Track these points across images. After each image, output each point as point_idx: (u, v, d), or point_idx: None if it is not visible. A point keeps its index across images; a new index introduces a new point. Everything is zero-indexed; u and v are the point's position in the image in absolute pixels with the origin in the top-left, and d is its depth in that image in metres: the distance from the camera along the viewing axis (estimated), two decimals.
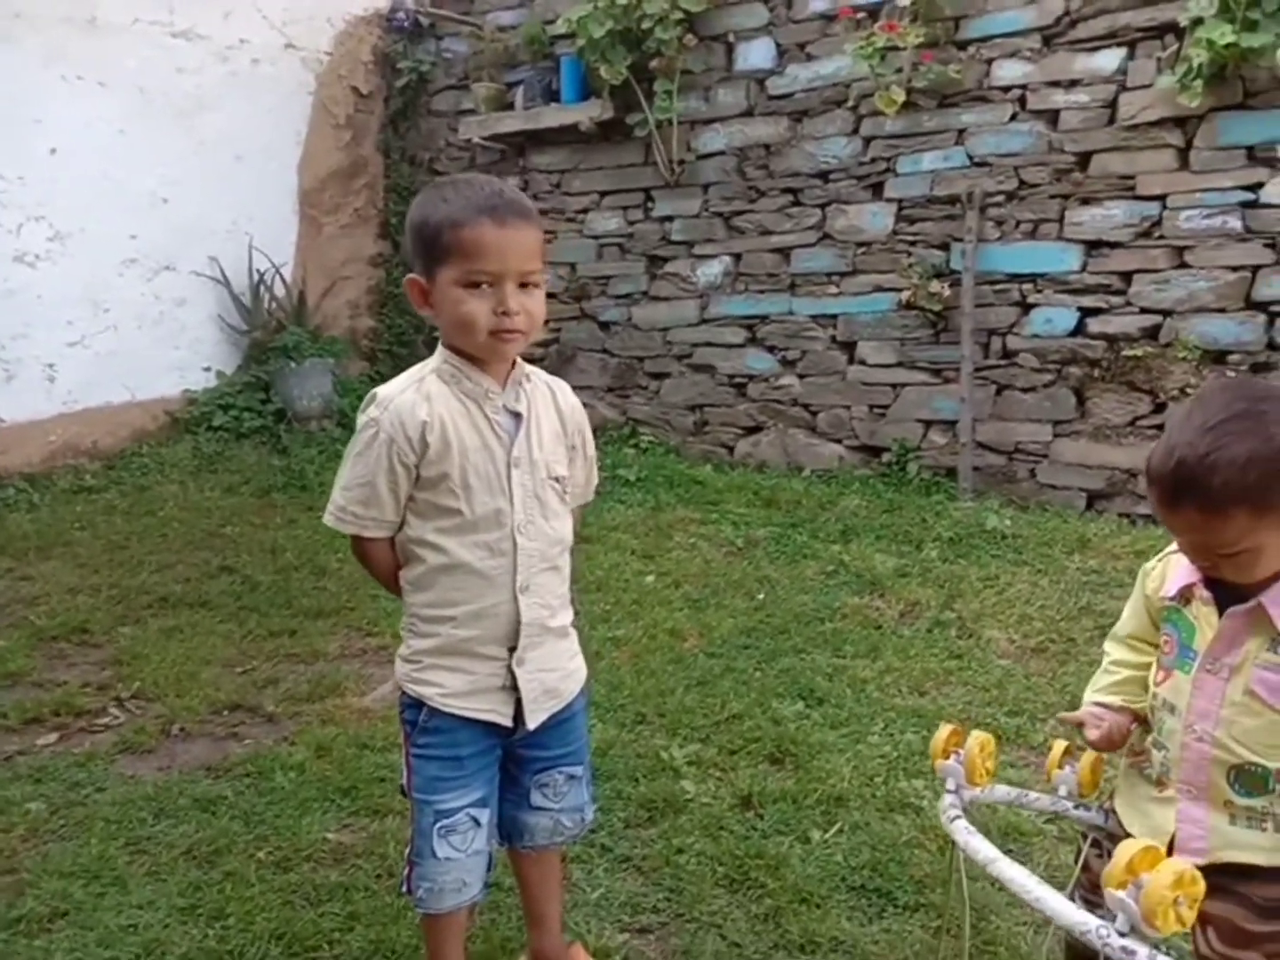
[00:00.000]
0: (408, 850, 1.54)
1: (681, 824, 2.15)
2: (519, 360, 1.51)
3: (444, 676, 1.47)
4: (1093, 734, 1.41)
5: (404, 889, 1.55)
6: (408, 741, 1.52)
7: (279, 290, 5.56)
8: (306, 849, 2.10)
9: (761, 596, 3.44)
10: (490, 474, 1.45)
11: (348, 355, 5.82)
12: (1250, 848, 1.30)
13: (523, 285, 1.43)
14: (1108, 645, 1.53)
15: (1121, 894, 1.03)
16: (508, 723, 1.50)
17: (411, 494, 1.46)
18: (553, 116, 5.24)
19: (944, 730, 1.39)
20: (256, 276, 5.47)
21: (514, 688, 1.49)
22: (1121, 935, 1.03)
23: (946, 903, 1.52)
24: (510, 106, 5.50)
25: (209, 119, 5.35)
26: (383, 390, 1.47)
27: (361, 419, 1.47)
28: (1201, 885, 1.02)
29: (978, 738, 1.37)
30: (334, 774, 2.38)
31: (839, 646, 3.02)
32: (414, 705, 1.50)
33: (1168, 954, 1.03)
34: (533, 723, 1.51)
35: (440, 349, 1.49)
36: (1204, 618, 1.32)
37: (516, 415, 1.49)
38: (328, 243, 5.94)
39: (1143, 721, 1.44)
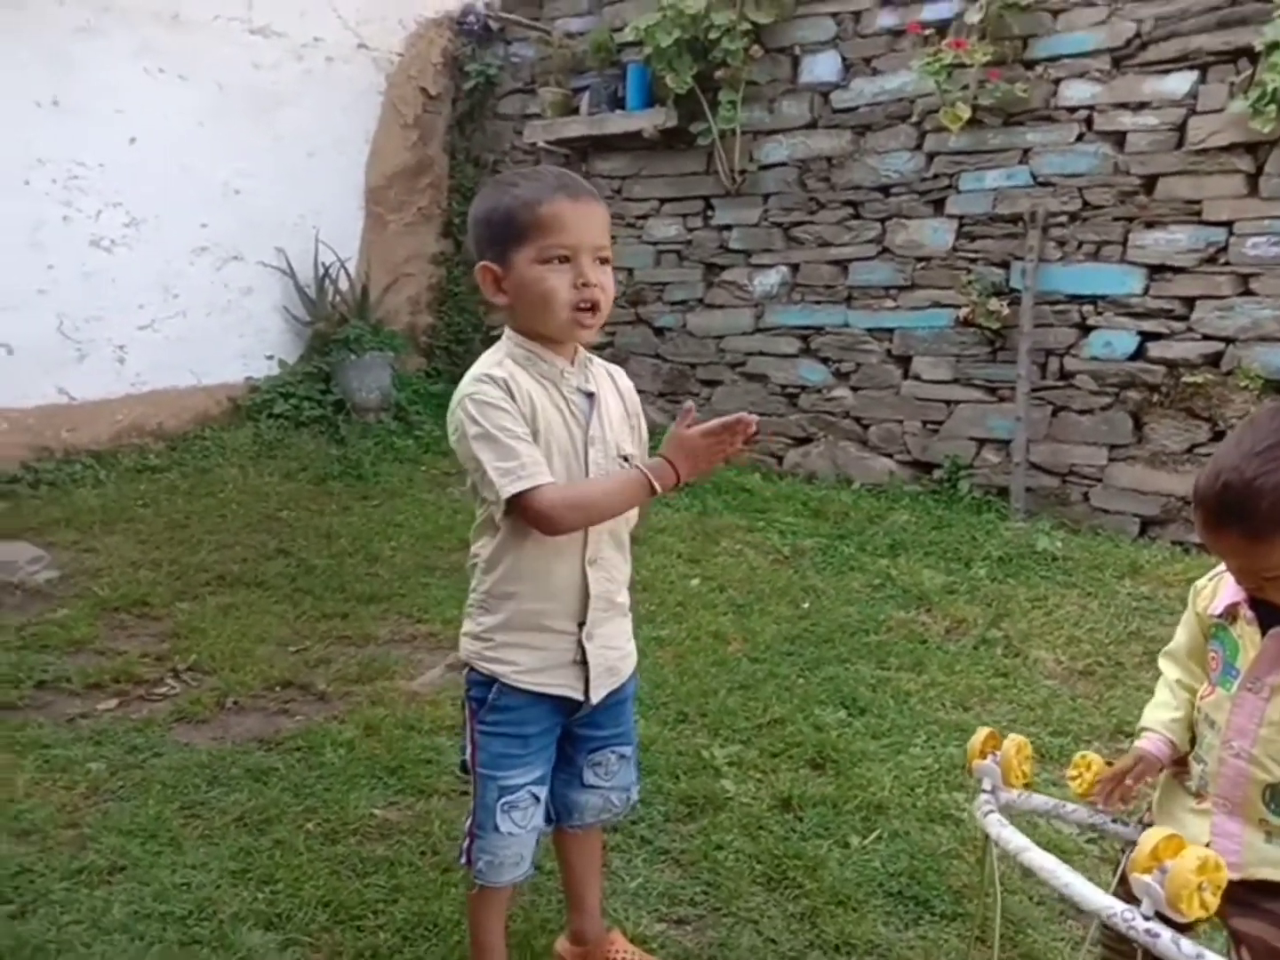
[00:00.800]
0: (469, 823, 1.57)
1: (721, 821, 2.18)
2: (580, 346, 1.55)
3: (517, 654, 1.51)
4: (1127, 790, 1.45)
5: (463, 860, 1.58)
6: (474, 718, 1.54)
7: (343, 284, 5.68)
8: (354, 823, 2.16)
9: (806, 605, 3.46)
10: (569, 451, 1.48)
11: (406, 350, 5.93)
12: None
13: (598, 261, 1.45)
14: (1162, 663, 1.54)
15: (1147, 879, 1.05)
16: (580, 696, 1.53)
17: None
18: (617, 123, 5.30)
19: (981, 733, 1.41)
20: (322, 269, 5.59)
21: (584, 662, 1.52)
22: (1147, 919, 1.04)
23: (980, 900, 1.53)
24: (575, 112, 5.57)
25: (283, 115, 5.49)
26: (470, 374, 1.48)
27: (464, 404, 1.43)
28: (1224, 873, 1.03)
29: (1014, 740, 1.39)
30: (382, 753, 2.43)
31: (883, 658, 3.03)
32: (484, 683, 1.53)
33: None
34: (595, 697, 1.54)
35: (507, 337, 1.52)
36: (1248, 636, 1.33)
37: (589, 395, 1.52)
38: (392, 239, 6.05)
39: (1179, 761, 1.45)
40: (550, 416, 1.47)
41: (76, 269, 4.81)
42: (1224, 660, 1.37)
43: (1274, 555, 1.22)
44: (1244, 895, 1.35)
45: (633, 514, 1.58)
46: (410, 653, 3.07)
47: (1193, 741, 1.44)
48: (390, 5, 5.90)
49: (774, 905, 1.93)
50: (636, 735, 1.71)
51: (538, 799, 1.54)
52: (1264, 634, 1.31)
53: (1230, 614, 1.36)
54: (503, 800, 1.52)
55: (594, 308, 1.45)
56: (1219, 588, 1.40)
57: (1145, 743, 1.48)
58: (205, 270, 5.31)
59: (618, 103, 5.35)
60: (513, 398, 1.43)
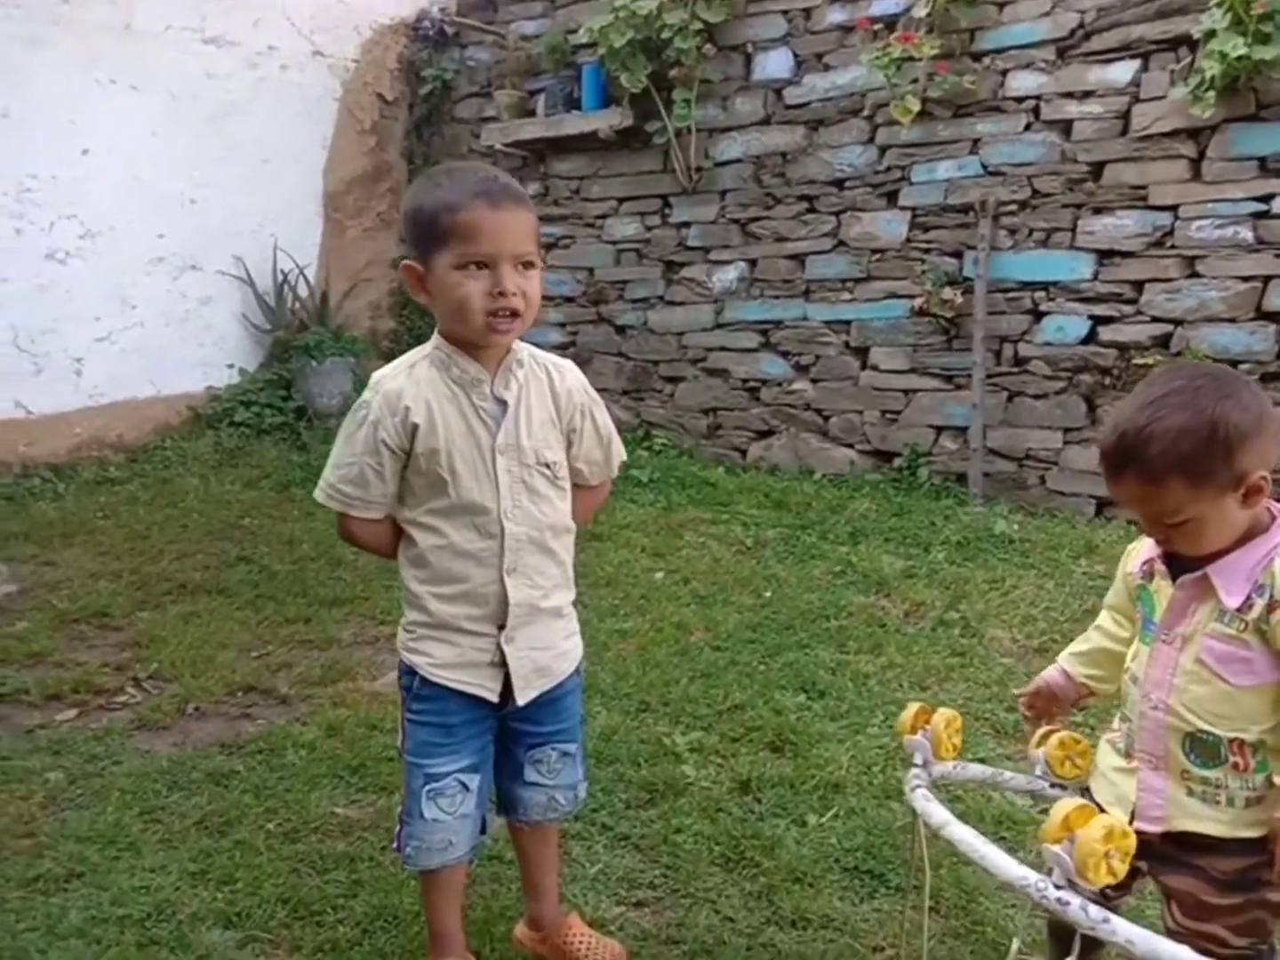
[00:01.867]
0: (400, 809, 1.60)
1: (681, 806, 2.20)
2: (515, 344, 1.54)
3: (434, 647, 1.53)
4: (1026, 712, 1.57)
5: (395, 845, 1.61)
6: (403, 706, 1.58)
7: (302, 291, 5.67)
8: (315, 821, 2.16)
9: (769, 594, 3.49)
10: (476, 461, 1.49)
11: (368, 355, 5.91)
12: (1205, 819, 1.34)
13: (518, 268, 1.45)
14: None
15: (1057, 848, 1.08)
16: (494, 698, 1.55)
17: (405, 476, 1.51)
18: (573, 124, 5.32)
19: (912, 708, 1.44)
20: (281, 277, 5.58)
21: (503, 664, 1.54)
22: (1058, 888, 1.07)
23: (910, 872, 1.56)
24: (532, 114, 5.59)
25: (238, 123, 5.47)
26: (377, 374, 1.53)
27: (357, 401, 1.53)
28: (1132, 840, 1.06)
29: (944, 714, 1.42)
30: (344, 752, 2.44)
31: (843, 643, 3.06)
32: (409, 673, 1.56)
33: (1106, 911, 1.06)
34: (522, 699, 1.56)
35: (435, 335, 1.53)
36: (1161, 591, 1.38)
37: (503, 403, 1.52)
38: (351, 245, 6.05)
39: (1086, 696, 1.56)
40: (452, 425, 1.49)
41: (31, 281, 4.77)
42: (1143, 616, 1.41)
43: (1168, 500, 1.27)
44: (1172, 851, 1.38)
45: (560, 519, 1.58)
46: (373, 654, 3.07)
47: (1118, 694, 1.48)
48: (345, 12, 5.89)
49: (732, 885, 1.95)
50: (582, 730, 1.72)
51: (467, 787, 1.55)
52: (1174, 585, 1.36)
53: (1147, 571, 1.41)
54: (428, 787, 1.54)
55: (513, 314, 1.45)
56: (1138, 549, 1.44)
57: (1043, 674, 1.56)
58: (162, 280, 5.28)
59: (574, 104, 5.38)
60: (394, 424, 1.47)
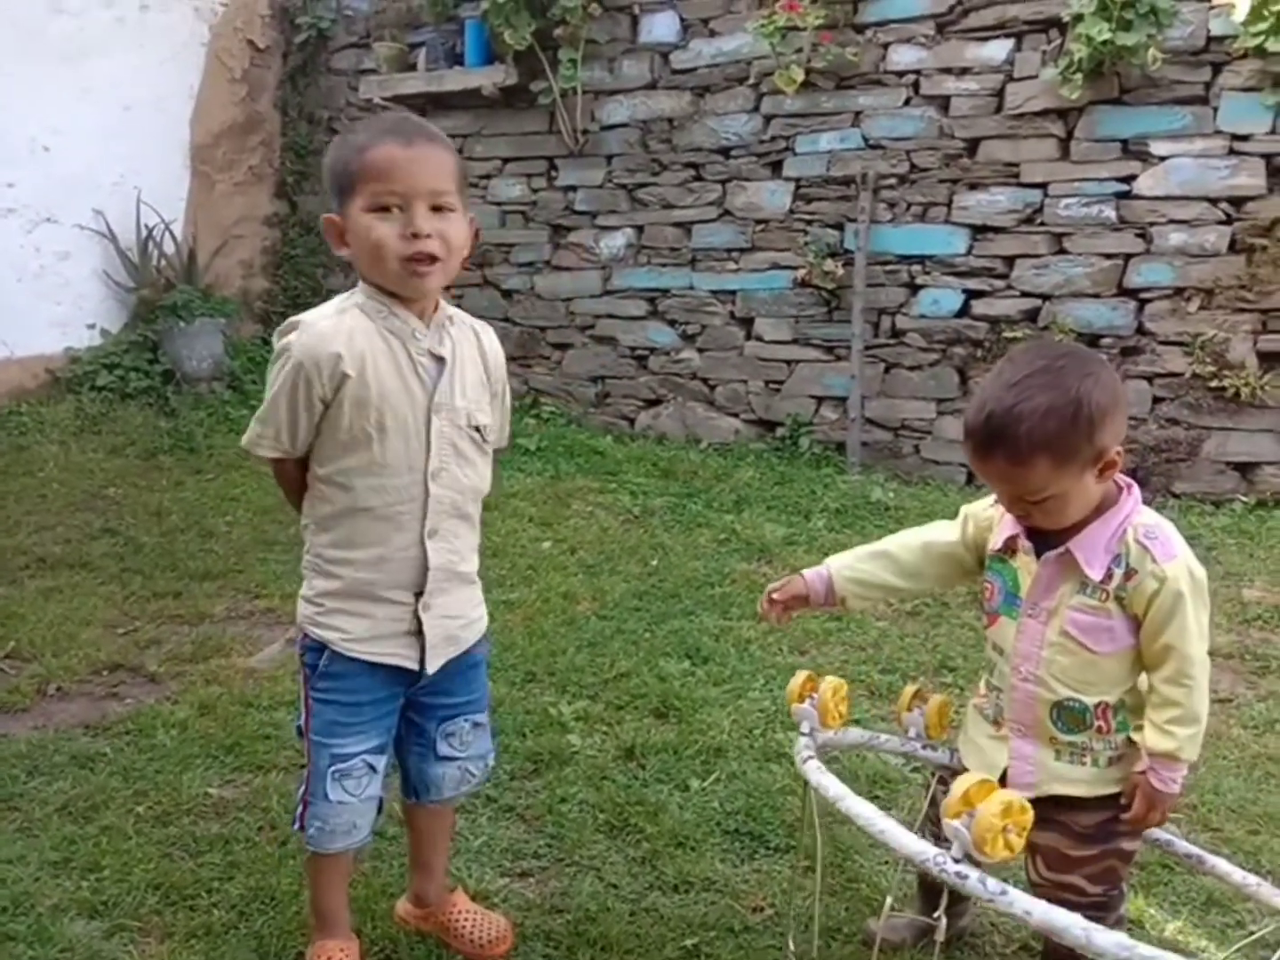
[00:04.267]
0: (302, 789, 1.54)
1: (566, 775, 2.21)
2: (441, 302, 1.48)
3: (347, 621, 1.47)
4: (764, 607, 1.57)
5: (296, 825, 1.55)
6: (307, 684, 1.51)
7: (168, 247, 5.38)
8: (187, 803, 2.08)
9: (655, 563, 3.51)
10: (408, 419, 1.42)
11: (240, 316, 5.67)
12: (1073, 781, 1.42)
13: (436, 210, 1.37)
14: (904, 534, 1.60)
15: (957, 823, 1.12)
16: (414, 666, 1.50)
17: (320, 429, 1.42)
18: (455, 80, 5.18)
19: (799, 676, 1.46)
20: (145, 232, 5.28)
21: (419, 633, 1.48)
22: (956, 861, 1.11)
23: (801, 841, 1.60)
24: (413, 68, 5.41)
25: (93, 66, 5.12)
26: (304, 316, 1.43)
27: (278, 344, 1.43)
28: (1029, 815, 1.11)
29: (830, 683, 1.45)
30: (217, 731, 2.35)
31: (726, 609, 3.12)
32: (316, 649, 1.49)
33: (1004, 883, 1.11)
34: (431, 667, 1.50)
35: (361, 285, 1.45)
36: (1025, 566, 1.43)
37: (440, 359, 1.46)
38: (221, 200, 5.77)
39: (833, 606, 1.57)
40: (387, 381, 1.41)
41: None
42: (1004, 590, 1.46)
43: (1034, 478, 1.31)
44: (1040, 811, 1.46)
45: (480, 485, 1.54)
46: (248, 629, 2.97)
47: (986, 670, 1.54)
48: None
49: (616, 851, 1.97)
50: (489, 700, 1.70)
51: (374, 768, 1.52)
52: (1039, 561, 1.41)
53: (1009, 547, 1.46)
54: (334, 768, 1.49)
55: (431, 259, 1.37)
56: (995, 523, 1.50)
57: (808, 571, 1.57)
58: (14, 233, 4.94)
59: (456, 59, 5.23)
60: (320, 370, 1.38)
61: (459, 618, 1.54)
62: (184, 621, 3.01)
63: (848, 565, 1.56)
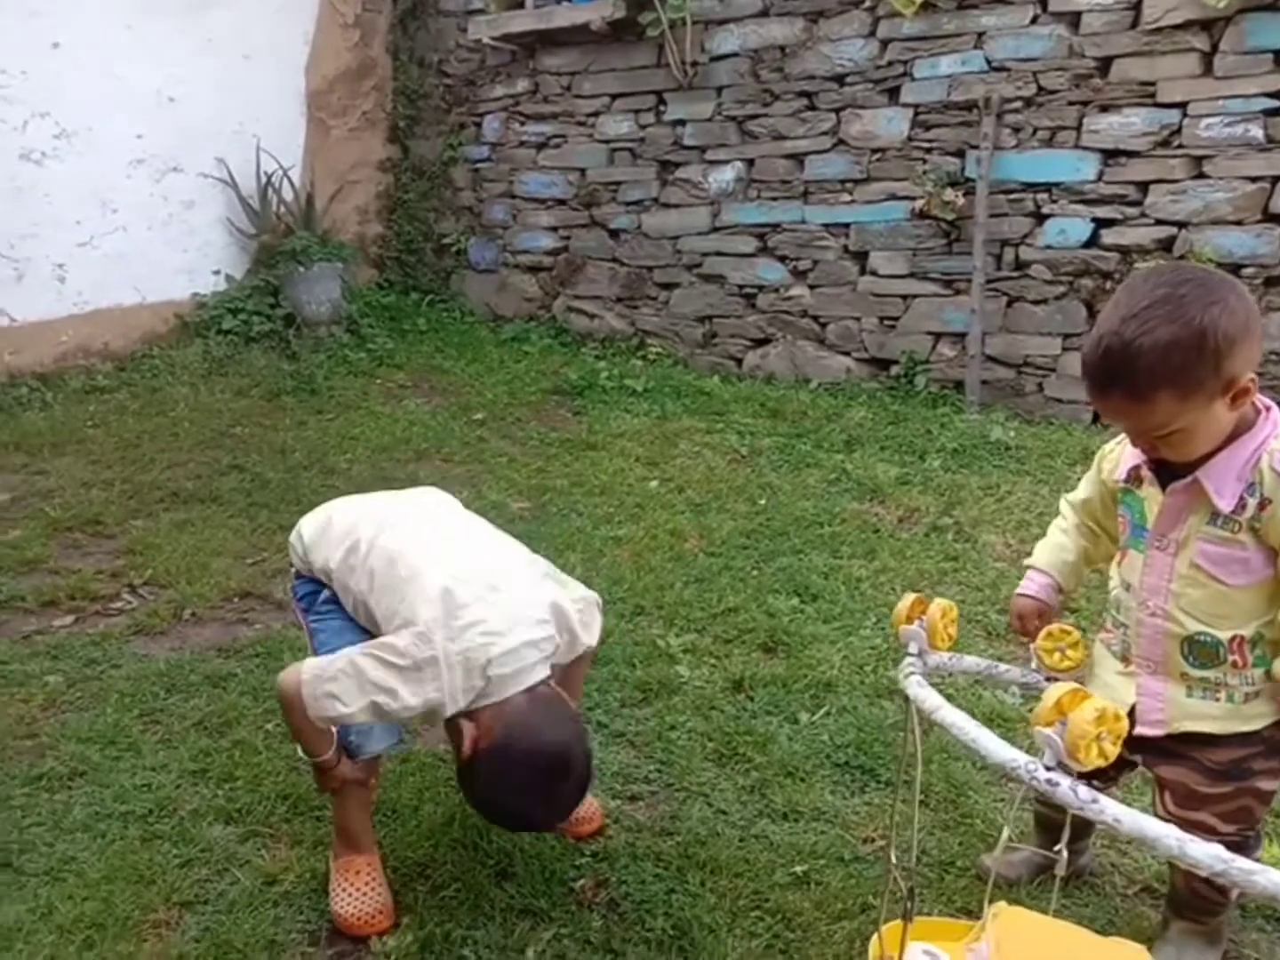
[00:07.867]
0: None
1: (675, 704, 2.23)
2: None
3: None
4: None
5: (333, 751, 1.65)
6: (305, 615, 1.84)
7: (287, 194, 5.51)
8: None
9: (763, 502, 3.48)
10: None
11: (356, 261, 5.79)
12: (1206, 717, 1.35)
13: None
14: (1063, 506, 1.58)
15: (1049, 731, 1.08)
16: None
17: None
18: (564, 15, 5.12)
19: (908, 598, 1.42)
20: (264, 179, 5.42)
21: None
22: (1048, 769, 1.07)
23: (902, 757, 1.57)
24: (521, 5, 5.37)
25: (215, 16, 5.25)
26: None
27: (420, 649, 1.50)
28: (1124, 723, 1.06)
29: (940, 604, 1.40)
30: None
31: (836, 548, 3.07)
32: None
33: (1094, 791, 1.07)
34: None
35: None
36: (1151, 497, 1.36)
37: None
38: (336, 146, 5.87)
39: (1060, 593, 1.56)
40: None
41: (7, 183, 4.63)
42: (1132, 523, 1.39)
43: (1157, 414, 1.23)
44: (1171, 746, 1.40)
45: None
46: None
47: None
48: None
49: (725, 779, 1.98)
50: None
51: None
52: (1165, 492, 1.34)
53: (1134, 477, 1.39)
54: None
55: None
56: (1122, 454, 1.42)
57: (1031, 585, 1.55)
58: (143, 183, 5.13)
59: None
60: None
61: None
62: None
63: (1056, 560, 1.57)
